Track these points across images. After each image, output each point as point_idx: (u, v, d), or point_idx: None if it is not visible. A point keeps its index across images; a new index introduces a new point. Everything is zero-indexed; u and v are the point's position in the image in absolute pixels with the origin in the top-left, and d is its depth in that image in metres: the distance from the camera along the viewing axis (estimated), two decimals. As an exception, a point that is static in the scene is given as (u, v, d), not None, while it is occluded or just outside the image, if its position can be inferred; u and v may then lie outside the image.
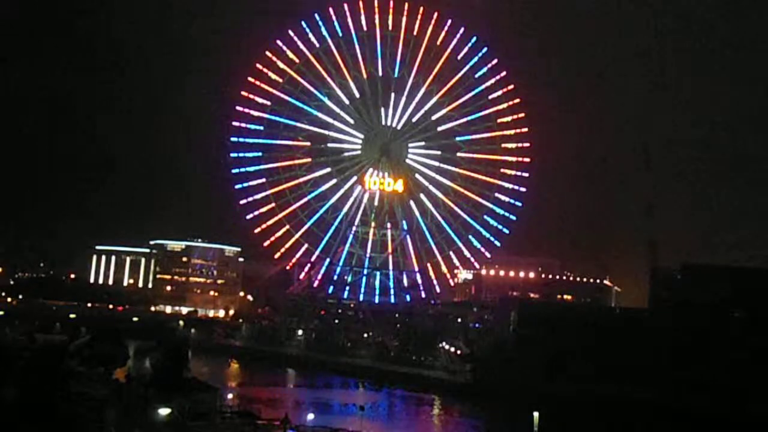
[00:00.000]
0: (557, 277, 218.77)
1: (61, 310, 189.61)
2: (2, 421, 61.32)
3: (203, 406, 77.87)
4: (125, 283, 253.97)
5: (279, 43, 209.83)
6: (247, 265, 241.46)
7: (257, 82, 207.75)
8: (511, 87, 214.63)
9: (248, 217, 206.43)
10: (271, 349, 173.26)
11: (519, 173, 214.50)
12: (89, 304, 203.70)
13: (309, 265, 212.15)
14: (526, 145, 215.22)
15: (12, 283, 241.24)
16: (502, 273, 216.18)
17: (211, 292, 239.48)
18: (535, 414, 70.25)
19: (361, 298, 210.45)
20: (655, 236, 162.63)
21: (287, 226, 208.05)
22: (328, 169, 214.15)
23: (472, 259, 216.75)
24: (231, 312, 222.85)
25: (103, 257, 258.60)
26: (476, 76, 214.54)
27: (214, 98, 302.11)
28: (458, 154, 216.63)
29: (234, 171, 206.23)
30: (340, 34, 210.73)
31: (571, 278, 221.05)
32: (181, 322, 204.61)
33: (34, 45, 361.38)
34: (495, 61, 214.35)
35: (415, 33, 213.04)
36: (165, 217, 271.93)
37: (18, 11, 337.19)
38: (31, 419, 61.66)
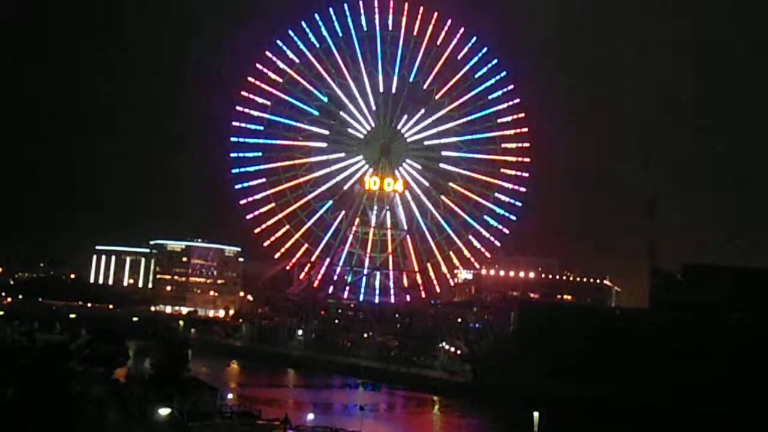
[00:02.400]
0: (557, 277, 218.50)
1: (61, 310, 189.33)
2: (2, 421, 61.33)
3: (203, 406, 77.87)
4: (125, 283, 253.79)
5: (279, 43, 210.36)
6: (247, 265, 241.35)
7: (257, 82, 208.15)
8: (511, 87, 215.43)
9: (248, 217, 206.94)
10: (271, 349, 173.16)
11: (519, 173, 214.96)
12: (89, 304, 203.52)
13: (309, 265, 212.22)
14: (526, 145, 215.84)
15: (12, 283, 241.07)
16: (502, 273, 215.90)
17: (211, 292, 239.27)
18: (535, 414, 70.22)
19: (361, 298, 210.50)
20: (655, 236, 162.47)
21: (287, 226, 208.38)
22: (329, 170, 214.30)
23: (472, 259, 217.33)
24: (231, 312, 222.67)
25: (103, 257, 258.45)
26: (476, 76, 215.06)
27: (214, 98, 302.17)
28: (458, 154, 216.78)
29: (234, 171, 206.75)
30: (340, 34, 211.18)
31: (571, 278, 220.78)
32: (181, 322, 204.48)
33: (34, 44, 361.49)
34: (495, 61, 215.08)
35: (415, 33, 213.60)
36: (165, 217, 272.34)
37: (18, 11, 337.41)
38: (31, 419, 61.67)
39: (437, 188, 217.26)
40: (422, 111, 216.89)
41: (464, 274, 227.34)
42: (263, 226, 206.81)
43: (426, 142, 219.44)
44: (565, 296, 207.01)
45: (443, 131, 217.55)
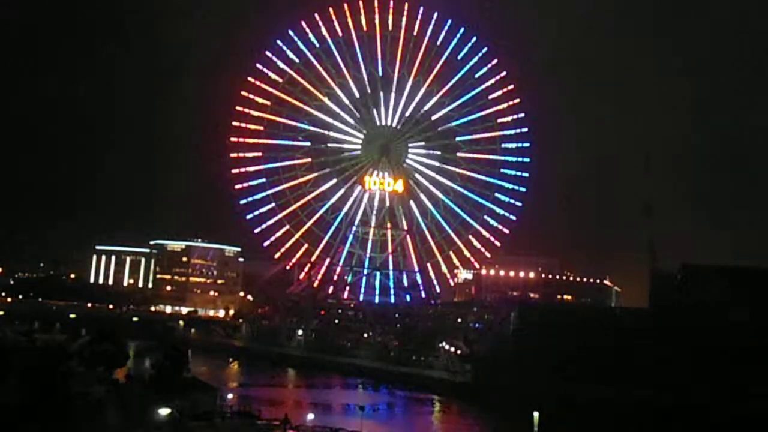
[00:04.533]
0: (557, 277, 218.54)
1: (61, 310, 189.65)
2: (2, 421, 61.36)
3: (203, 406, 77.92)
4: (125, 283, 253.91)
5: (279, 43, 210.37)
6: (247, 265, 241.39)
7: (257, 82, 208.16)
8: (511, 87, 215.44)
9: (248, 217, 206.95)
10: (271, 349, 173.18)
11: (519, 173, 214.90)
12: (89, 304, 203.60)
13: (309, 265, 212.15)
14: (526, 145, 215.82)
15: (12, 283, 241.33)
16: (502, 273, 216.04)
17: (211, 292, 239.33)
18: (535, 414, 70.16)
19: (361, 298, 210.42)
20: (655, 236, 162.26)
21: (287, 226, 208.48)
22: (328, 169, 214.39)
23: (472, 259, 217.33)
24: (231, 312, 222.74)
25: (103, 257, 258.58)
26: (476, 76, 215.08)
27: (214, 99, 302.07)
28: (458, 154, 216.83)
29: (234, 171, 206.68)
30: (340, 34, 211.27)
31: (571, 278, 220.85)
32: (181, 322, 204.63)
33: (35, 44, 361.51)
34: (495, 61, 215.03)
35: (415, 33, 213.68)
36: (165, 217, 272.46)
37: (18, 11, 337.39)
38: (31, 419, 61.71)
39: (437, 188, 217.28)
40: (422, 111, 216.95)
41: (464, 274, 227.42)
42: (263, 226, 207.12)
43: (426, 143, 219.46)
44: (565, 296, 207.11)
45: (443, 131, 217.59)
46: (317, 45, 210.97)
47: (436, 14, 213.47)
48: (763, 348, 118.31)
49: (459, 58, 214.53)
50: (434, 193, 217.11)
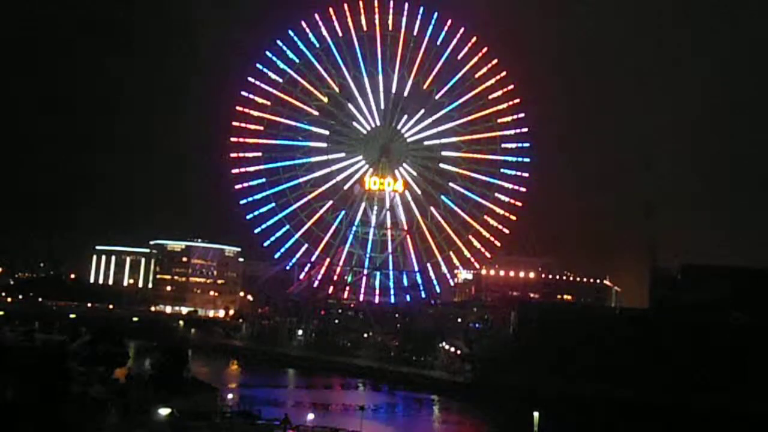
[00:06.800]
0: (557, 277, 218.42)
1: (61, 310, 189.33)
2: (2, 421, 61.38)
3: (203, 406, 77.93)
4: (125, 283, 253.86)
5: (279, 43, 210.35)
6: (247, 265, 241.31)
7: (257, 82, 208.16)
8: (511, 87, 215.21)
9: (248, 217, 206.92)
10: (271, 349, 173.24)
11: (519, 173, 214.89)
12: (89, 304, 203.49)
13: (309, 265, 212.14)
14: (526, 145, 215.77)
15: (12, 283, 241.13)
16: (502, 273, 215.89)
17: (211, 292, 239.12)
18: (535, 414, 70.18)
19: (361, 298, 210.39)
20: (655, 236, 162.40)
21: (287, 226, 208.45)
22: (329, 169, 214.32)
23: (472, 259, 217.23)
24: (231, 312, 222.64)
25: (103, 257, 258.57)
26: (476, 76, 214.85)
27: (214, 98, 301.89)
28: (458, 154, 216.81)
29: (234, 171, 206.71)
30: (340, 34, 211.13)
31: (571, 278, 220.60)
32: (181, 322, 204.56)
33: (34, 45, 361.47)
34: (495, 61, 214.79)
35: (415, 33, 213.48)
36: (165, 217, 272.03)
37: (18, 10, 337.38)
38: (31, 419, 61.72)
39: (437, 188, 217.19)
40: (422, 111, 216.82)
41: (464, 274, 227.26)
42: (263, 226, 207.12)
43: (426, 142, 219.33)
44: (565, 296, 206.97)
45: (443, 131, 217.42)
46: (317, 45, 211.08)
47: (436, 14, 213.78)
48: (764, 348, 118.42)
49: (459, 58, 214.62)
50: (434, 193, 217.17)
